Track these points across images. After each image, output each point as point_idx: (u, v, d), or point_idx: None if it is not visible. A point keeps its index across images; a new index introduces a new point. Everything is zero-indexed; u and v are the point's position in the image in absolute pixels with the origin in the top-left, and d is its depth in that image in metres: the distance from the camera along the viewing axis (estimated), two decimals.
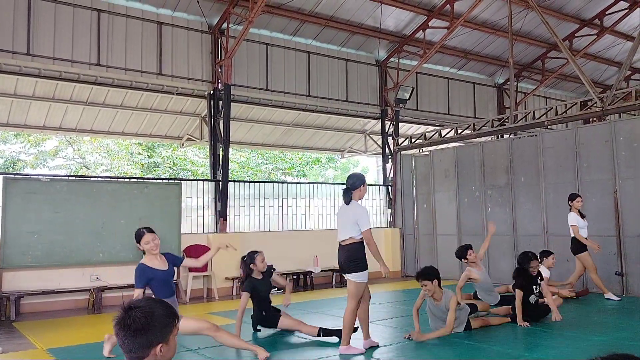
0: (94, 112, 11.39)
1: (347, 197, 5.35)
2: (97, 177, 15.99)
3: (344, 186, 5.44)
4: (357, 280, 5.11)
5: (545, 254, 8.08)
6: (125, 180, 11.27)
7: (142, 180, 12.38)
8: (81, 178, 11.61)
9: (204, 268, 9.93)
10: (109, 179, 11.55)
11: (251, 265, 6.13)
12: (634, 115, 9.26)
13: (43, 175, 9.76)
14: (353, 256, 5.13)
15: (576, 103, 10.24)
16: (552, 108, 11.15)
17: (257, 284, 6.14)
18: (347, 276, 5.24)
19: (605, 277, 8.89)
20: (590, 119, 11.24)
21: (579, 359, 4.74)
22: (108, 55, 10.06)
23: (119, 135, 12.62)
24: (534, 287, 6.46)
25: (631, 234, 8.66)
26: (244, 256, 6.26)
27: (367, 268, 5.18)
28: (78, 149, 21.65)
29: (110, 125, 11.93)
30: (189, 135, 12.76)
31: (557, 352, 5.07)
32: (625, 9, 13.93)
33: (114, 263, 9.02)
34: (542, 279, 6.67)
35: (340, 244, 5.29)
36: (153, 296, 4.36)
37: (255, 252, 6.24)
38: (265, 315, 6.17)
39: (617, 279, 8.73)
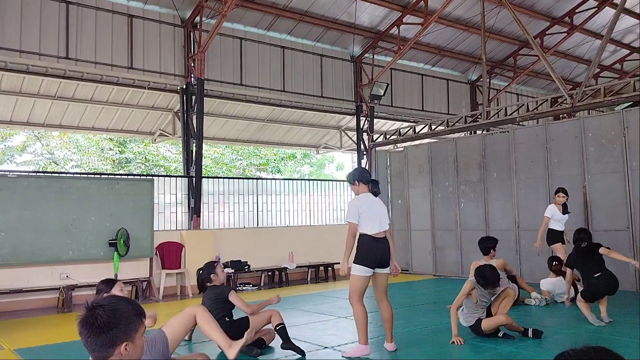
0: (62, 107, 11.13)
1: (377, 189, 5.44)
2: (66, 173, 15.62)
3: (371, 178, 5.48)
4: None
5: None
6: (96, 176, 11.06)
7: (113, 176, 12.15)
8: (50, 174, 11.31)
9: (178, 265, 9.82)
10: (79, 175, 11.30)
11: (212, 277, 5.52)
12: (603, 111, 9.47)
13: (10, 172, 9.50)
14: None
15: (547, 100, 10.42)
16: (523, 104, 11.33)
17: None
18: (384, 271, 5.09)
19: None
20: (561, 116, 11.46)
21: (549, 352, 4.82)
22: (77, 49, 9.82)
23: (89, 130, 12.36)
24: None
25: (600, 228, 8.86)
26: (200, 269, 5.64)
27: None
28: (47, 144, 21.14)
29: (79, 120, 11.68)
30: (162, 130, 12.57)
31: (525, 344, 5.14)
32: (594, 7, 14.23)
33: (85, 261, 8.84)
34: None
35: (378, 238, 5.02)
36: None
37: (214, 262, 5.76)
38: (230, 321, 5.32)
39: None
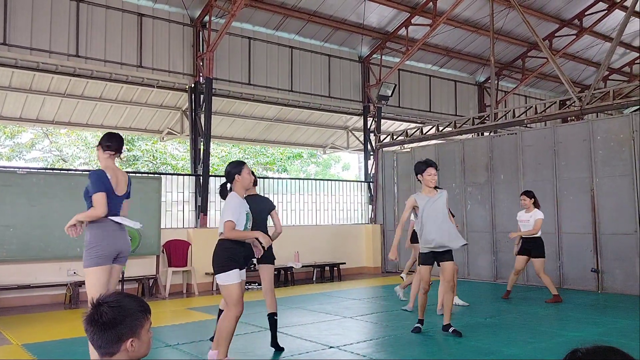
0: (72, 104, 11.20)
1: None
2: (74, 170, 15.72)
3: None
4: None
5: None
6: None
7: None
8: (59, 171, 11.40)
9: (185, 263, 9.86)
10: (87, 172, 11.38)
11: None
12: (611, 114, 9.42)
13: (19, 168, 9.56)
14: None
15: (555, 102, 10.38)
16: (531, 107, 11.29)
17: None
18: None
19: (580, 273, 9.07)
20: (569, 118, 11.41)
21: (557, 354, 4.81)
22: (87, 47, 9.89)
23: (98, 127, 12.42)
24: None
25: (607, 232, 8.82)
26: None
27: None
28: (55, 141, 21.27)
29: (88, 117, 11.75)
30: (170, 129, 12.62)
31: (533, 347, 5.14)
32: (604, 10, 14.15)
33: None
34: None
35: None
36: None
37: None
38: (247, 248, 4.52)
39: (592, 276, 8.90)
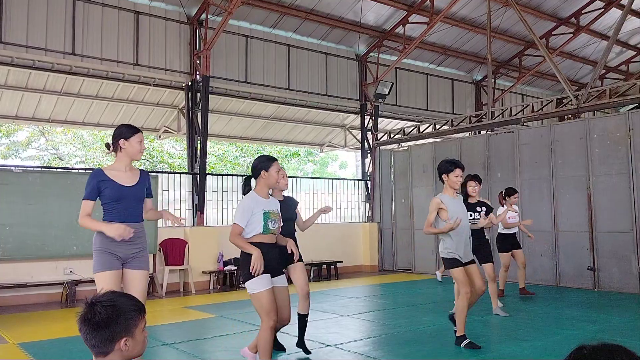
0: (68, 102, 11.16)
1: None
2: (71, 168, 15.69)
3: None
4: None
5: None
6: None
7: None
8: (55, 169, 11.37)
9: (181, 262, 9.84)
10: (84, 171, 11.35)
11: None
12: (608, 113, 9.44)
13: (15, 167, 9.53)
14: None
15: (552, 100, 10.39)
16: (528, 105, 11.30)
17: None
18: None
19: (577, 271, 9.09)
20: (566, 117, 11.43)
21: (554, 352, 4.82)
22: (83, 45, 9.85)
23: (94, 126, 12.40)
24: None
25: (603, 230, 8.84)
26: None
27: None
28: (51, 139, 21.21)
29: (85, 116, 11.71)
30: (166, 127, 12.59)
31: (530, 345, 5.15)
32: (600, 9, 14.17)
33: (89, 256, 8.80)
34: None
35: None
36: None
37: (273, 157, 4.23)
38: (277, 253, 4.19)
39: (589, 274, 8.92)
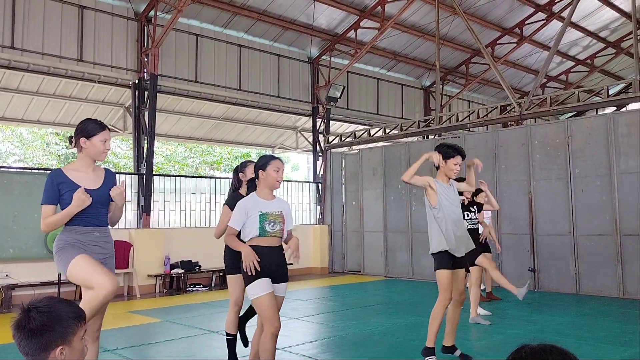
0: (6, 98, 10.62)
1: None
2: (8, 167, 14.94)
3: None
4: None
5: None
6: (40, 171, 10.60)
7: None
8: None
9: (126, 265, 9.55)
10: (22, 170, 10.83)
11: (239, 175, 4.54)
12: (548, 120, 9.84)
13: None
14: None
15: (496, 107, 10.75)
16: (474, 111, 11.65)
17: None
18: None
19: (518, 273, 9.42)
20: (509, 123, 11.85)
21: (497, 351, 4.95)
22: (24, 38, 9.41)
23: (34, 123, 11.86)
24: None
25: (543, 232, 9.21)
26: (237, 165, 4.73)
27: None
28: None
29: (24, 112, 11.17)
30: (112, 126, 12.18)
31: (472, 344, 5.28)
32: (542, 20, 14.79)
33: (26, 259, 8.46)
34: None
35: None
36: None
37: (250, 161, 4.57)
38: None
39: (529, 275, 9.26)
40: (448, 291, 4.40)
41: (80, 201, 3.21)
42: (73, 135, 3.38)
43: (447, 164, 4.58)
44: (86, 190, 3.28)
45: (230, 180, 4.67)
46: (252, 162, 4.48)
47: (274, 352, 3.59)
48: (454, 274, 4.48)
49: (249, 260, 3.52)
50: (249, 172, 4.41)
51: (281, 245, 3.79)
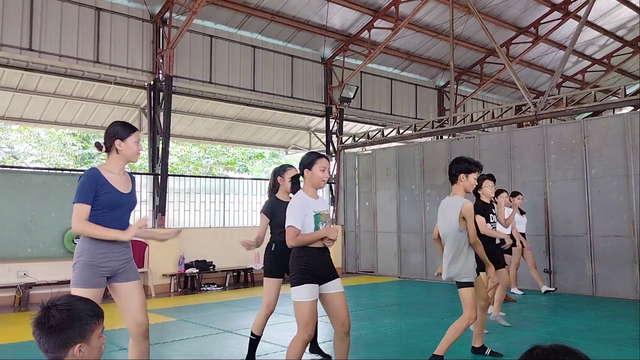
0: (24, 100, 10.79)
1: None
2: (26, 167, 15.16)
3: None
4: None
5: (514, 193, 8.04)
6: (57, 171, 10.75)
7: (75, 172, 11.84)
8: (8, 168, 10.96)
9: (141, 264, 9.64)
10: (40, 170, 10.99)
11: (277, 179, 4.58)
12: (564, 120, 9.75)
13: None
14: None
15: (511, 107, 10.66)
16: (489, 111, 11.56)
17: (279, 207, 4.39)
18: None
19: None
20: (524, 123, 11.75)
21: (510, 353, 4.93)
22: (41, 40, 9.55)
23: (52, 124, 12.04)
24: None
25: (559, 234, 9.12)
26: (276, 168, 4.75)
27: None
28: (6, 137, 20.46)
29: (42, 114, 11.35)
30: None
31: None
32: (558, 19, 14.65)
33: (43, 258, 8.58)
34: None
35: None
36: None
37: (290, 165, 4.63)
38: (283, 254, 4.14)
39: (545, 276, 9.17)
40: (474, 310, 4.28)
41: (137, 231, 3.27)
42: (104, 139, 3.36)
43: (468, 178, 4.46)
44: (122, 193, 3.29)
45: (266, 182, 4.72)
46: (291, 166, 4.56)
47: (301, 356, 3.54)
48: (476, 283, 4.42)
49: (334, 235, 3.49)
50: (287, 177, 4.43)
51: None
